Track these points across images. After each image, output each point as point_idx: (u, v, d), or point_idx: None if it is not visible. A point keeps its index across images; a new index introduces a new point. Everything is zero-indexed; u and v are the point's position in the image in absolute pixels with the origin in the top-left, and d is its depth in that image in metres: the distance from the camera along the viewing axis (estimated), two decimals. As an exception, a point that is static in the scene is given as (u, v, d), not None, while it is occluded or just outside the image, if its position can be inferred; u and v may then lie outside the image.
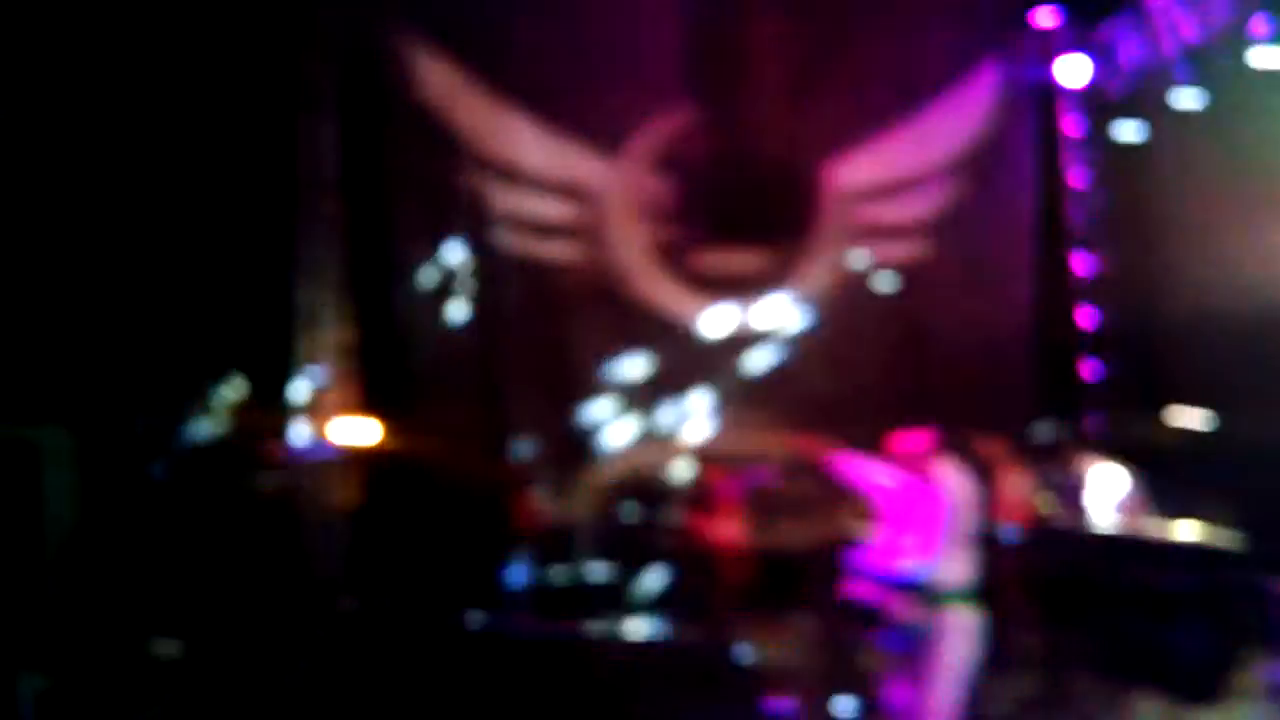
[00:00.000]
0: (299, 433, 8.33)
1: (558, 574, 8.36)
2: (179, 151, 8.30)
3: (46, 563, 8.21)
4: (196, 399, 8.83)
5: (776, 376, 8.98)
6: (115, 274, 8.28)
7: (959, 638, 5.76)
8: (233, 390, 8.83)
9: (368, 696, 6.83)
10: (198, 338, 8.47)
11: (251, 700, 7.09)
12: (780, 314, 9.06)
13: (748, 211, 9.05)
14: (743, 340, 9.02)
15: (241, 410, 8.72)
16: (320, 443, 8.34)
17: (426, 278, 8.90)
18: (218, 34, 8.22)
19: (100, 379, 8.40)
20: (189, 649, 7.61)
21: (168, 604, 7.86)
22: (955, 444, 6.10)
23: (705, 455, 8.65)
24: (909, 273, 9.07)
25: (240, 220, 8.37)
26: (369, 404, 8.48)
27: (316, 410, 8.34)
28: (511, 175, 8.94)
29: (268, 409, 8.52)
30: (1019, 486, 7.26)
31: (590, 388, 8.87)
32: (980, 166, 9.16)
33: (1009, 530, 6.97)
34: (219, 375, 8.74)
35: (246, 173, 8.40)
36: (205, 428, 8.77)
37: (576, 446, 8.84)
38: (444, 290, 8.92)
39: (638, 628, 7.93)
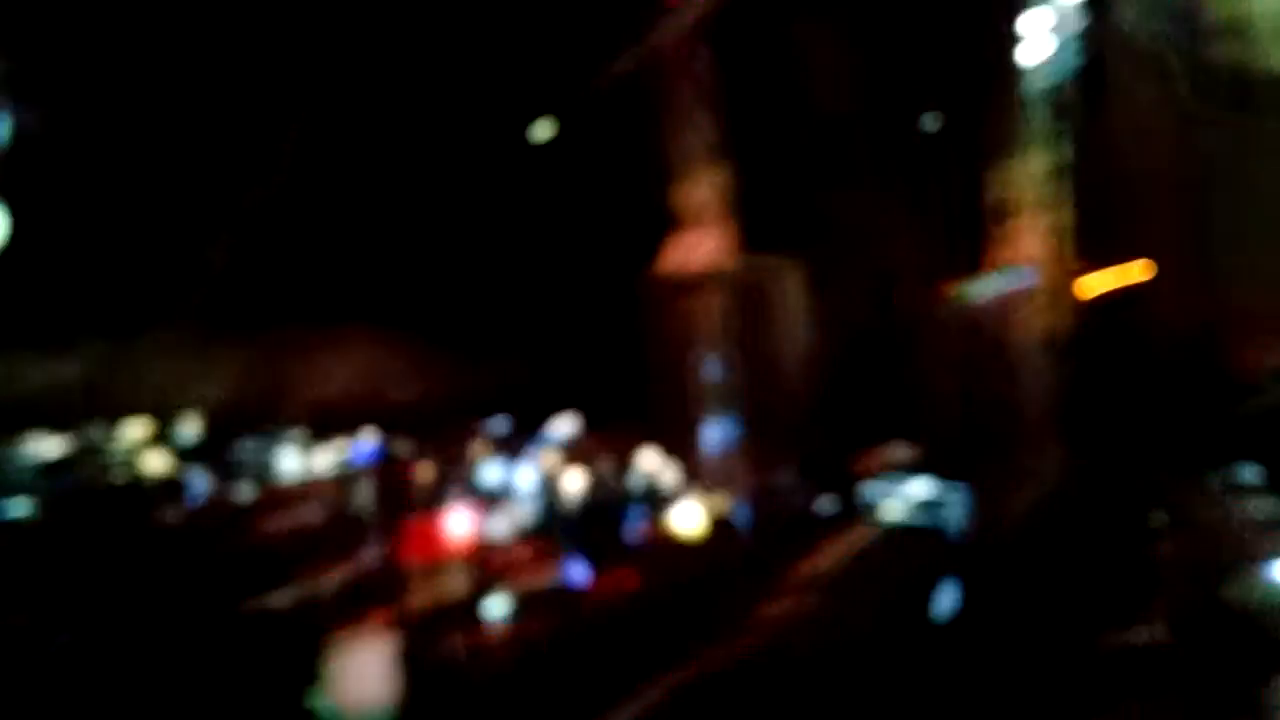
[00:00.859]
0: (1004, 271, 9.14)
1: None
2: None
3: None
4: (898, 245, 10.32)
5: None
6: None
7: None
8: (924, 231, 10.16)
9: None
10: (900, 196, 9.94)
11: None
12: None
13: None
14: None
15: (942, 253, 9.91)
16: (1024, 279, 8.97)
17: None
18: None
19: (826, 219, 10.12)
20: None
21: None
22: None
23: None
24: None
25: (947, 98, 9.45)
26: (1078, 245, 8.92)
27: (1014, 251, 9.05)
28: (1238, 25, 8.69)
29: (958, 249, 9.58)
30: None
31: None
32: None
33: None
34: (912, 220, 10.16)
35: (956, 62, 9.44)
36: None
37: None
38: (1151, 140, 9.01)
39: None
